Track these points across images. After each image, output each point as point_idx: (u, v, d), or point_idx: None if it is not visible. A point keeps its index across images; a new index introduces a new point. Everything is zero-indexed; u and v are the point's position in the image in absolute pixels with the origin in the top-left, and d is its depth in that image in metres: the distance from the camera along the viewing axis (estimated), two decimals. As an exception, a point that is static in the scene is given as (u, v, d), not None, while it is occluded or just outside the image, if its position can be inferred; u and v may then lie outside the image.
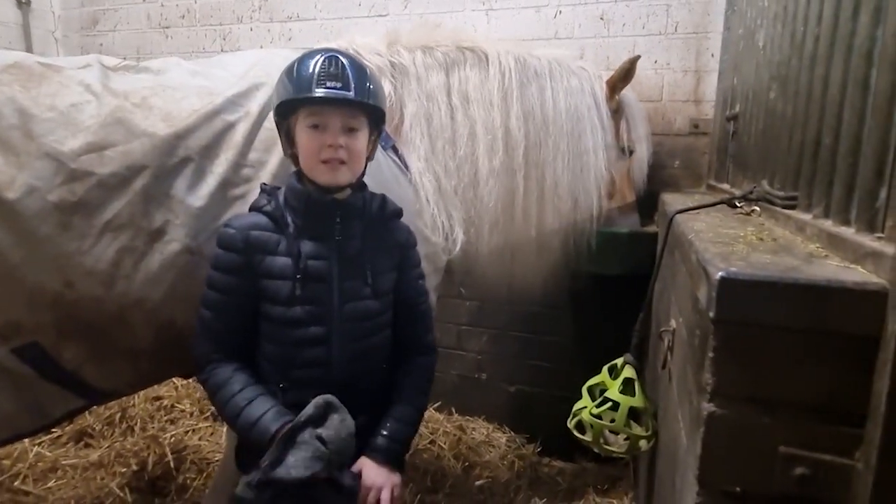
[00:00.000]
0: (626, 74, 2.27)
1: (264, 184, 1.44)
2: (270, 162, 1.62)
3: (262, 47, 3.24)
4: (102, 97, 1.51)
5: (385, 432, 1.38)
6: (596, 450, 1.79)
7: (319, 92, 1.25)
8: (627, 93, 2.37)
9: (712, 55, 2.62)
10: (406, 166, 1.89)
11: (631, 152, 2.37)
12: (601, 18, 2.74)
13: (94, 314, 1.47)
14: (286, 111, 1.32)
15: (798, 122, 1.35)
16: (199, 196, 1.55)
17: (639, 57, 2.26)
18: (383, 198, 1.45)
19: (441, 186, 1.96)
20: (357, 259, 1.36)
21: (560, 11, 2.80)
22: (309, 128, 1.29)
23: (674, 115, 2.72)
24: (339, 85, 1.26)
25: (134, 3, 3.55)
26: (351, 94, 1.27)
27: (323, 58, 1.28)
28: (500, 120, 2.02)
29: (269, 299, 1.32)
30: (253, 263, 1.31)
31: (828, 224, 1.09)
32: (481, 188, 2.01)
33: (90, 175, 1.43)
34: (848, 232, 1.00)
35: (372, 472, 1.33)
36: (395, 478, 1.36)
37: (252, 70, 1.73)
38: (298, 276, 1.30)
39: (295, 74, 1.29)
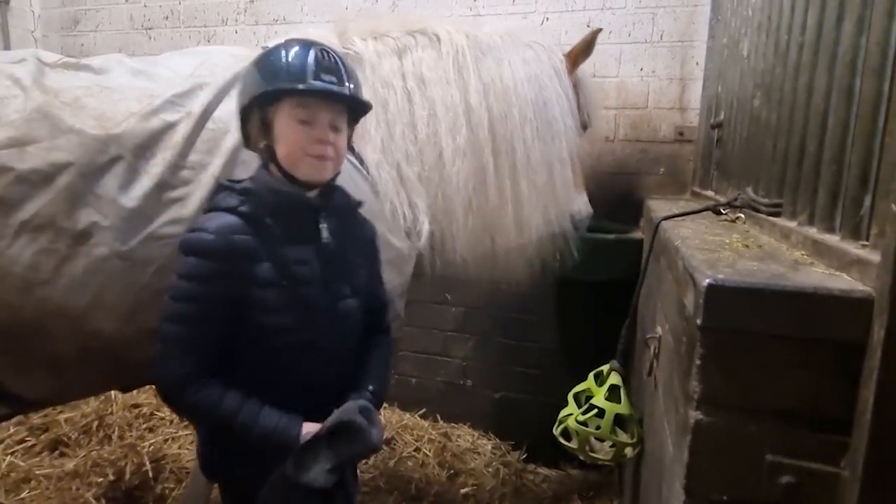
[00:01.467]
0: (587, 47, 2.20)
1: (228, 180, 1.30)
2: (213, 164, 1.54)
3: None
4: (30, 92, 1.45)
5: (371, 388, 1.38)
6: (581, 457, 1.78)
7: (317, 85, 1.19)
8: (581, 69, 2.29)
9: (697, 63, 2.64)
10: (361, 162, 1.82)
11: (587, 127, 2.29)
12: (587, 26, 2.75)
13: (8, 321, 1.39)
14: (266, 101, 1.22)
15: (782, 130, 1.36)
16: (132, 197, 1.46)
17: (600, 30, 2.21)
18: (343, 190, 1.40)
19: (402, 174, 1.86)
20: (336, 259, 1.32)
21: (547, 18, 2.81)
22: (296, 121, 1.21)
23: (659, 123, 2.74)
24: (334, 79, 1.21)
25: (116, 3, 3.49)
26: (346, 89, 1.23)
27: (317, 50, 1.22)
28: (460, 96, 1.92)
29: (255, 308, 1.22)
30: (237, 271, 1.18)
31: (813, 231, 1.10)
32: (447, 169, 1.91)
33: (8, 170, 1.36)
34: (833, 239, 1.01)
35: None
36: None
37: (198, 69, 1.67)
38: (285, 283, 1.22)
39: (284, 63, 1.20)
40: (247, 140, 1.32)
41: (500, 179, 2.01)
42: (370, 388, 1.38)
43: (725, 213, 1.65)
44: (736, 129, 1.88)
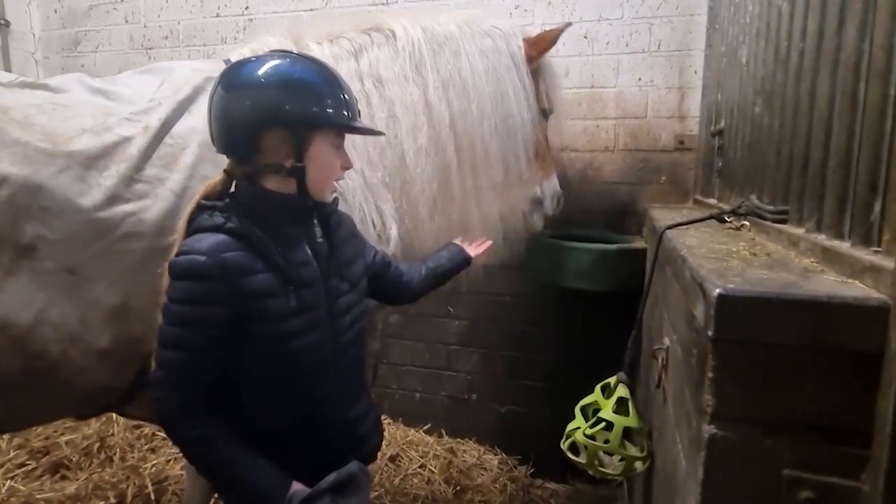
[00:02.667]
0: (554, 39, 2.18)
1: (205, 200, 1.26)
2: (171, 178, 1.52)
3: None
4: None
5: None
6: (591, 472, 1.74)
7: (360, 122, 1.32)
8: (547, 58, 2.27)
9: (695, 72, 2.65)
10: None
11: (549, 113, 2.26)
12: (584, 37, 2.77)
13: None
14: (306, 124, 1.23)
15: (785, 137, 1.34)
16: (81, 210, 1.42)
17: (570, 24, 2.25)
18: None
19: (366, 181, 1.83)
20: (330, 257, 1.35)
21: (543, 29, 2.81)
22: (332, 147, 1.29)
23: (659, 132, 2.74)
24: (357, 112, 1.32)
25: (116, 24, 3.52)
26: (366, 123, 1.39)
27: (339, 78, 1.30)
28: (419, 94, 1.89)
29: (259, 319, 1.20)
30: (231, 288, 1.17)
31: (821, 238, 1.08)
32: (410, 171, 1.88)
33: None
34: (843, 246, 0.99)
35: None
36: None
37: (159, 90, 1.65)
38: (291, 288, 1.23)
39: (328, 94, 1.24)
40: (246, 152, 1.24)
41: (463, 176, 2.00)
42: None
43: (730, 221, 1.63)
44: (737, 136, 1.87)
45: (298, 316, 1.24)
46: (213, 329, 1.18)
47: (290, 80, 1.22)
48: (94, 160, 1.47)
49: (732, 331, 0.85)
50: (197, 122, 1.62)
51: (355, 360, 1.44)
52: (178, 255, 1.19)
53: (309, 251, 1.31)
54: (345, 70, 1.86)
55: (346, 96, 1.27)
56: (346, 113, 1.26)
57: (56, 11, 3.62)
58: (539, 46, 2.15)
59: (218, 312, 1.17)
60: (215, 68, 1.76)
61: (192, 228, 1.23)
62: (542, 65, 2.22)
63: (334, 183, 1.33)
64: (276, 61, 1.24)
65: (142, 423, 3.05)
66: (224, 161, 1.48)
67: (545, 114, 2.23)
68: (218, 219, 1.21)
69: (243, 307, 1.18)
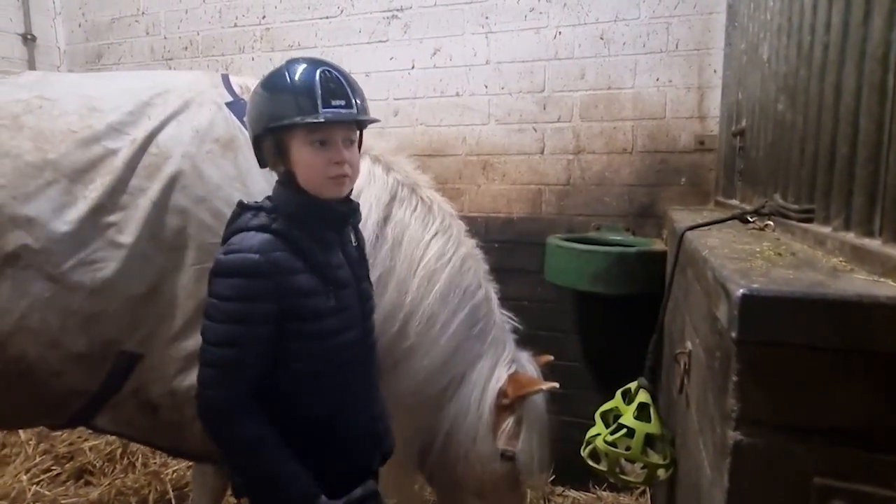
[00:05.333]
0: (532, 394, 1.90)
1: (250, 202, 1.31)
2: (152, 188, 1.54)
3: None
4: None
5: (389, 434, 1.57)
6: (612, 479, 1.70)
7: (328, 114, 1.21)
8: (536, 399, 1.95)
9: (715, 71, 2.60)
10: None
11: (510, 458, 1.88)
12: (601, 38, 2.74)
13: None
14: (279, 129, 1.24)
15: (810, 133, 1.30)
16: (66, 221, 1.46)
17: (555, 386, 1.90)
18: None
19: None
20: (359, 261, 1.43)
21: (560, 32, 2.80)
22: (311, 144, 1.23)
23: (678, 133, 2.69)
24: (343, 103, 1.23)
25: (137, 36, 3.59)
26: (354, 112, 1.25)
27: (320, 72, 1.23)
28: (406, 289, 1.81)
29: (303, 317, 1.25)
30: (279, 286, 1.21)
31: (850, 236, 1.04)
32: None
33: None
34: (873, 244, 0.95)
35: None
36: None
37: (152, 99, 1.66)
38: (329, 289, 1.28)
39: (290, 90, 1.22)
40: (262, 162, 1.33)
41: None
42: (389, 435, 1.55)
43: (753, 222, 1.58)
44: (759, 135, 1.82)
45: (336, 315, 1.30)
46: (263, 325, 1.21)
47: (261, 90, 1.26)
48: (81, 173, 1.51)
49: (757, 332, 0.82)
50: (183, 134, 1.63)
51: (375, 361, 1.50)
52: (226, 253, 1.22)
53: (342, 255, 1.36)
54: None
55: (318, 91, 1.20)
56: (312, 109, 1.20)
57: (80, 25, 3.71)
58: (517, 390, 1.89)
59: (268, 309, 1.21)
60: (209, 82, 1.78)
61: (234, 228, 1.27)
62: (525, 407, 1.93)
63: (337, 179, 1.26)
64: (273, 73, 1.28)
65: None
66: (206, 172, 1.59)
67: (502, 456, 1.88)
68: (264, 219, 1.25)
69: (288, 305, 1.23)
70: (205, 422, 1.23)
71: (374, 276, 1.73)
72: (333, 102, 1.22)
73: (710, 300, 1.05)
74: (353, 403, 1.39)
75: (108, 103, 1.61)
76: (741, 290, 0.82)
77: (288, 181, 1.29)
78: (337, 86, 1.24)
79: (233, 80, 1.84)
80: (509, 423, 1.92)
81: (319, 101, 1.20)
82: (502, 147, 2.95)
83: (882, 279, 0.86)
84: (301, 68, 1.24)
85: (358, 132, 1.34)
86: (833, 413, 0.81)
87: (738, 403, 0.84)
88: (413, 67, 3.05)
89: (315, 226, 1.29)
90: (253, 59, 3.35)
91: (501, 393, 1.90)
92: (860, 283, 0.85)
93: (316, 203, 1.27)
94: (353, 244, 1.42)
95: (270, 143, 1.27)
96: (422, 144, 3.05)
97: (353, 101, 1.25)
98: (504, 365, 1.95)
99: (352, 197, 1.40)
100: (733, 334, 0.83)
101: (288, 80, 1.23)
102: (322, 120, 1.20)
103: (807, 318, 0.79)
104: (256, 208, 1.28)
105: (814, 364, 0.81)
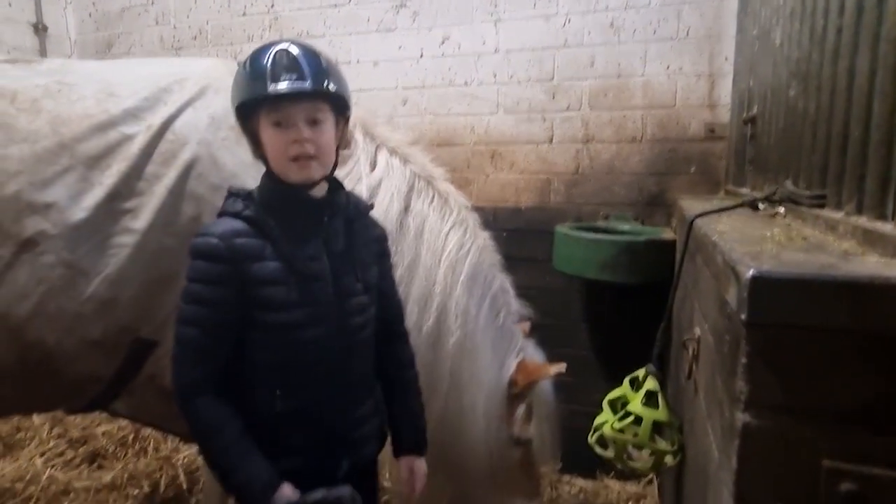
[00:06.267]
0: (541, 378, 1.96)
1: (233, 187, 1.31)
2: (168, 175, 1.54)
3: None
4: None
5: (413, 428, 1.50)
6: (619, 466, 1.71)
7: (276, 88, 1.16)
8: (544, 385, 2.03)
9: (726, 58, 2.57)
10: None
11: (523, 443, 1.97)
12: (611, 25, 2.71)
13: None
14: (248, 112, 1.23)
15: (822, 118, 1.29)
16: (83, 207, 1.46)
17: (562, 371, 1.92)
18: (351, 194, 1.41)
19: None
20: (345, 255, 1.33)
21: (569, 20, 2.78)
22: (272, 126, 1.20)
23: (688, 121, 2.67)
24: (294, 76, 1.17)
25: (147, 25, 3.60)
26: (307, 84, 1.17)
27: (275, 51, 1.18)
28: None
29: (263, 306, 1.23)
30: (240, 272, 1.20)
31: (862, 220, 1.03)
32: None
33: None
34: (886, 227, 0.94)
35: (417, 464, 1.50)
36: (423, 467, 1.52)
37: (164, 78, 1.65)
38: (293, 279, 1.23)
39: (248, 72, 1.19)
40: (251, 151, 1.31)
41: None
42: (412, 429, 1.50)
43: (763, 209, 1.57)
44: (771, 121, 1.81)
45: (301, 308, 1.24)
46: (222, 308, 1.21)
47: (233, 78, 1.24)
48: (97, 159, 1.51)
49: (767, 314, 0.82)
50: (199, 120, 1.63)
51: (364, 364, 1.41)
52: (197, 235, 1.23)
53: (322, 246, 1.29)
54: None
55: (267, 68, 1.17)
56: (263, 87, 1.16)
57: (90, 15, 3.73)
58: (525, 377, 1.95)
59: (225, 293, 1.20)
60: (226, 69, 1.78)
61: (219, 212, 1.28)
62: (536, 394, 2.01)
63: (299, 161, 1.21)
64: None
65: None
66: (221, 160, 1.54)
67: (517, 442, 1.97)
68: (239, 205, 1.25)
69: (250, 292, 1.21)
70: (174, 398, 1.24)
71: (401, 266, 1.75)
72: (283, 77, 1.17)
73: (719, 284, 1.05)
74: (324, 405, 1.31)
75: (126, 89, 1.62)
76: (751, 272, 0.81)
77: (266, 168, 1.27)
78: (289, 61, 1.18)
79: None
80: (521, 410, 1.97)
81: (269, 78, 1.16)
82: (511, 136, 2.94)
83: (894, 261, 0.85)
84: (259, 51, 1.21)
85: (331, 113, 1.26)
86: (842, 395, 0.81)
87: (747, 386, 0.84)
88: (422, 56, 3.04)
89: (287, 214, 1.26)
90: (261, 48, 3.35)
91: (511, 382, 1.93)
92: (872, 265, 0.84)
93: (288, 191, 1.25)
94: (331, 236, 1.31)
95: (246, 131, 1.26)
96: (430, 134, 3.05)
97: (307, 74, 1.18)
98: (513, 354, 1.98)
99: (365, 188, 1.37)
100: (743, 316, 0.83)
101: (247, 63, 1.21)
102: (266, 93, 1.16)
103: (817, 299, 0.79)
104: (237, 194, 1.28)
105: (824, 346, 0.81)
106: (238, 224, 1.23)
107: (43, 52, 3.60)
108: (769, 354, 0.83)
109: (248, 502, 1.22)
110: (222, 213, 1.26)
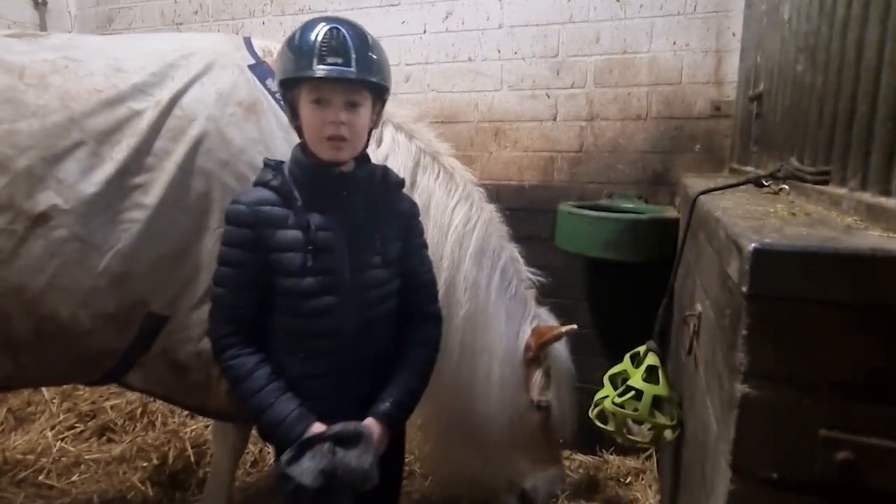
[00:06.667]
0: (554, 339, 2.05)
1: (267, 158, 1.40)
2: (177, 151, 1.55)
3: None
4: None
5: (392, 399, 1.41)
6: (619, 440, 1.73)
7: (320, 71, 1.21)
8: (560, 350, 2.12)
9: (734, 34, 2.53)
10: None
11: (544, 408, 2.08)
12: (617, 0, 2.67)
13: None
14: (288, 86, 1.30)
15: (829, 93, 1.28)
16: (94, 182, 1.48)
17: (574, 327, 2.07)
18: (385, 169, 1.47)
19: None
20: (364, 229, 1.37)
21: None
22: (311, 103, 1.25)
23: (694, 98, 2.64)
24: (339, 61, 1.21)
25: (148, 0, 3.56)
26: (352, 70, 1.22)
27: (324, 29, 1.22)
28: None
29: (281, 272, 1.31)
30: (263, 238, 1.30)
31: (866, 196, 1.03)
32: None
33: None
34: (890, 202, 0.94)
35: (378, 432, 1.37)
36: (387, 440, 1.41)
37: (176, 61, 1.66)
38: (310, 248, 1.30)
39: (296, 47, 1.24)
40: (288, 119, 1.40)
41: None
42: (391, 399, 1.41)
43: (768, 186, 1.57)
44: (777, 98, 1.79)
45: (314, 277, 1.31)
46: (247, 271, 1.32)
47: (281, 49, 1.30)
48: (107, 135, 1.52)
49: (769, 287, 0.82)
50: (207, 96, 1.63)
51: (381, 340, 1.44)
52: (230, 203, 1.35)
53: (336, 219, 1.33)
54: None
55: (316, 48, 1.21)
56: (308, 65, 1.21)
57: (90, -10, 3.69)
58: (538, 339, 2.04)
59: (250, 257, 1.31)
60: (232, 44, 1.78)
61: (255, 182, 1.38)
62: (552, 358, 2.09)
63: (332, 141, 1.26)
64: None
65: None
66: (229, 135, 1.59)
67: (537, 407, 2.08)
68: (268, 175, 1.34)
69: (271, 258, 1.31)
70: (212, 351, 1.37)
71: None
72: (329, 60, 1.21)
73: (721, 258, 1.05)
74: (341, 374, 1.37)
75: (133, 64, 1.62)
76: (753, 245, 0.82)
77: (300, 140, 1.35)
78: (338, 44, 1.22)
79: (255, 42, 1.83)
80: (538, 375, 2.07)
81: (315, 58, 1.21)
82: (515, 114, 2.92)
83: (896, 235, 0.86)
84: (310, 26, 1.25)
85: (370, 97, 1.31)
86: (841, 367, 0.82)
87: (746, 357, 0.85)
88: (425, 32, 3.01)
89: (310, 186, 1.33)
90: (263, 23, 3.31)
91: (528, 347, 2.02)
92: (874, 238, 0.85)
93: (313, 164, 1.31)
94: (348, 209, 1.34)
95: (287, 100, 1.33)
96: (433, 111, 3.03)
97: (353, 60, 1.22)
98: (527, 321, 2.07)
99: (375, 164, 1.42)
100: (744, 289, 0.84)
101: (296, 36, 1.25)
102: (312, 75, 1.21)
103: (819, 272, 0.80)
104: (269, 165, 1.37)
105: (824, 318, 0.82)
106: (266, 193, 1.32)
107: (43, 27, 3.57)
108: (769, 326, 0.84)
109: (282, 436, 1.29)
110: (256, 183, 1.37)
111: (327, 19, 1.26)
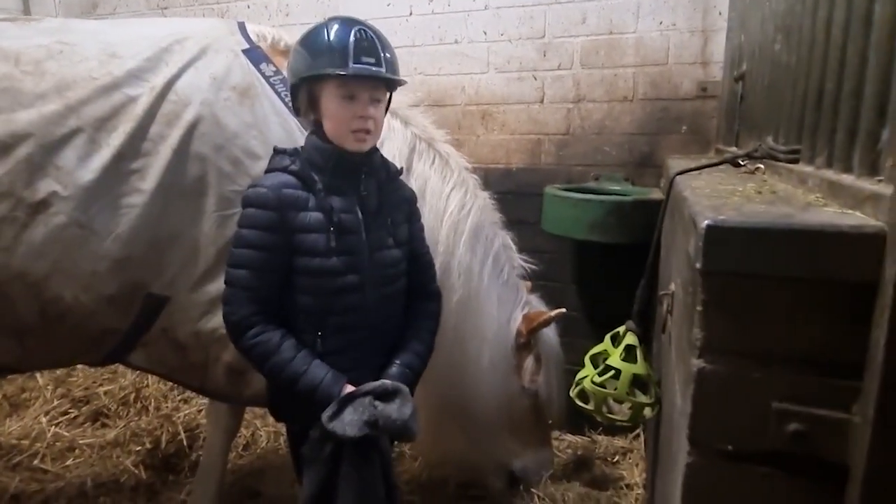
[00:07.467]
0: (544, 323, 2.12)
1: (278, 147, 1.44)
2: (172, 136, 1.57)
3: (260, 24, 3.20)
4: None
5: (399, 361, 1.50)
6: (599, 418, 1.76)
7: (357, 69, 1.31)
8: (549, 336, 2.20)
9: (720, 13, 2.51)
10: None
11: (533, 393, 2.17)
12: (605, -20, 2.64)
13: None
14: (312, 80, 1.36)
15: (801, 72, 1.28)
16: (91, 169, 1.50)
17: (563, 311, 2.13)
18: (384, 157, 1.55)
19: None
20: (378, 212, 1.46)
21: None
22: (340, 98, 1.34)
23: (680, 79, 2.63)
24: (372, 61, 1.32)
25: (132, -15, 3.53)
26: (384, 70, 1.34)
27: (356, 30, 1.32)
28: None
29: (306, 252, 1.36)
30: (287, 220, 1.34)
31: (829, 173, 1.04)
32: None
33: None
34: (849, 179, 0.95)
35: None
36: None
37: (169, 47, 1.67)
38: (332, 229, 1.36)
39: (327, 46, 1.31)
40: (297, 111, 1.46)
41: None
42: (397, 361, 1.50)
43: (744, 165, 1.57)
44: (758, 78, 1.79)
45: (338, 256, 1.38)
46: (270, 252, 1.35)
47: (305, 43, 1.37)
48: (103, 121, 1.54)
49: (721, 263, 0.84)
50: (201, 81, 1.64)
51: (396, 314, 1.54)
52: (248, 187, 1.39)
53: (354, 202, 1.42)
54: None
55: (350, 47, 1.30)
56: (343, 63, 1.30)
57: (74, -26, 3.65)
58: (528, 325, 2.10)
59: (274, 239, 1.34)
60: (226, 29, 1.77)
61: (266, 168, 1.43)
62: (541, 344, 2.15)
63: (358, 134, 1.36)
64: (313, 28, 1.38)
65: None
66: (223, 120, 1.62)
67: (527, 392, 2.15)
68: (286, 160, 1.40)
69: (295, 239, 1.36)
70: (228, 334, 1.39)
71: None
72: (363, 59, 1.31)
73: (685, 237, 1.06)
74: (360, 346, 1.44)
75: (127, 49, 1.63)
76: (706, 221, 0.83)
77: (316, 130, 1.41)
78: (370, 44, 1.33)
79: (249, 27, 1.84)
80: (529, 361, 2.12)
81: (351, 57, 1.30)
82: (501, 96, 2.91)
83: (850, 211, 0.86)
84: (338, 26, 1.33)
85: (387, 94, 1.43)
86: (792, 341, 0.83)
87: (701, 332, 0.87)
88: (411, 14, 2.98)
89: (331, 172, 1.39)
90: (249, 6, 3.28)
91: (519, 333, 2.06)
92: (827, 214, 0.86)
93: (335, 152, 1.38)
94: (363, 192, 1.43)
95: (305, 93, 1.39)
96: (421, 94, 2.99)
97: (383, 60, 1.34)
98: (519, 307, 2.10)
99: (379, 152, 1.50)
100: (698, 265, 0.85)
101: (325, 35, 1.33)
102: (351, 73, 1.30)
103: (770, 248, 0.81)
104: (284, 152, 1.42)
105: (777, 294, 0.83)
106: (285, 177, 1.37)
107: (27, 12, 3.54)
108: (723, 302, 0.86)
109: (322, 397, 1.33)
110: (271, 170, 1.41)
111: (350, 20, 1.35)
